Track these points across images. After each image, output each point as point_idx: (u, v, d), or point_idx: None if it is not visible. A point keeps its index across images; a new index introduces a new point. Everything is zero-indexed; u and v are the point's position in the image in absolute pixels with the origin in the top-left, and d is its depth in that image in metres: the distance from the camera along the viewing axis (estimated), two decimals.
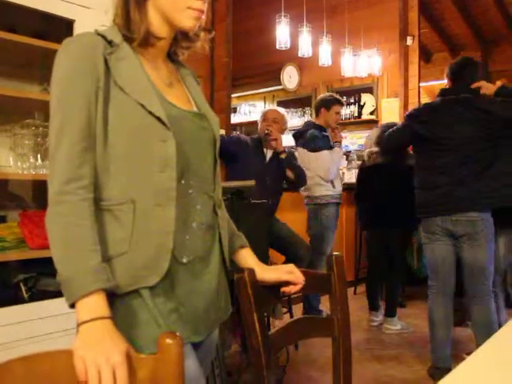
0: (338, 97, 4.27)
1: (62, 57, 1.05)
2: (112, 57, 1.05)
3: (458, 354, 3.21)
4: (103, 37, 1.07)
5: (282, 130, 3.67)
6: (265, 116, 3.66)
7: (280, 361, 3.01)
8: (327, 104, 4.12)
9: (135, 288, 1.02)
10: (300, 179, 3.65)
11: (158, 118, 1.03)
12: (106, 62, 1.04)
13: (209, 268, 1.17)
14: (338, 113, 4.20)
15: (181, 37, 1.19)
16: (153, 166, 1.04)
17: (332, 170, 4.03)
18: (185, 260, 1.09)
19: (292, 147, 4.34)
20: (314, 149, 3.98)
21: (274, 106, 3.96)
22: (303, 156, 3.99)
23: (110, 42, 1.06)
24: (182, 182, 1.08)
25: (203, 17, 1.14)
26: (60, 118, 1.02)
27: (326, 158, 3.98)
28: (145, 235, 1.03)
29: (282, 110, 3.86)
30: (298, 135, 4.19)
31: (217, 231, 1.20)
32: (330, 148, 4.03)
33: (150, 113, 1.03)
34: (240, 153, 3.43)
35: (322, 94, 4.48)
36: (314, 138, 4.00)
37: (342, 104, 4.30)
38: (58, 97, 1.03)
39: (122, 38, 1.09)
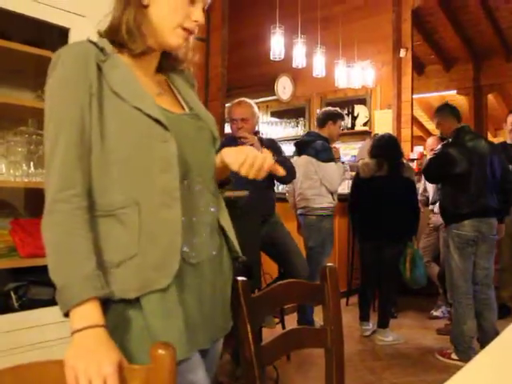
0: (340, 111, 4.35)
1: (54, 66, 1.05)
2: (105, 64, 1.06)
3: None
4: (95, 45, 1.08)
5: (255, 124, 3.42)
6: (231, 116, 3.34)
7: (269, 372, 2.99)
8: (334, 118, 4.14)
9: (145, 292, 1.01)
10: (288, 175, 3.41)
11: (157, 120, 1.04)
12: (99, 68, 1.05)
13: (221, 272, 1.17)
14: (340, 127, 4.26)
15: (165, 55, 1.20)
16: (155, 167, 1.04)
17: (339, 182, 4.11)
18: (193, 261, 1.09)
19: (291, 156, 4.29)
20: (328, 160, 3.98)
21: (241, 99, 3.47)
22: (309, 165, 3.96)
23: (101, 50, 1.08)
24: (185, 182, 1.09)
25: (190, 39, 1.16)
26: (53, 127, 1.02)
27: (335, 170, 4.02)
28: (152, 236, 1.03)
29: (248, 101, 3.47)
30: (303, 144, 4.13)
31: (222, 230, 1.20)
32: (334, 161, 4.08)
33: (148, 116, 1.03)
34: None
35: (326, 108, 4.51)
36: (328, 149, 4.02)
37: (344, 119, 4.42)
38: (50, 106, 1.04)
39: (112, 49, 1.10)
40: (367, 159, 4.11)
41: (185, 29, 1.12)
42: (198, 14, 1.13)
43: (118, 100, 1.04)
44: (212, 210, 1.17)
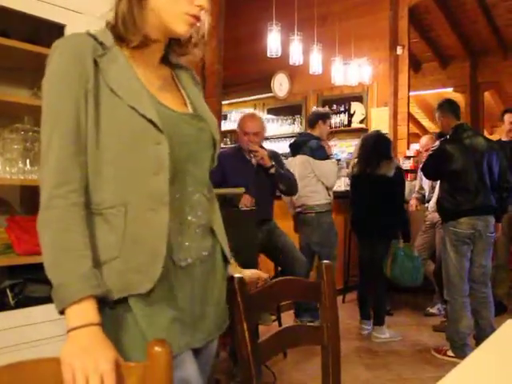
0: (328, 111, 4.58)
1: (51, 60, 1.04)
2: (103, 59, 1.04)
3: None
4: (94, 38, 1.05)
5: (263, 137, 3.63)
6: (244, 129, 3.49)
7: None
8: (324, 117, 4.29)
9: (126, 295, 1.01)
10: (292, 188, 3.66)
11: (151, 121, 1.02)
12: (96, 63, 1.03)
13: (213, 273, 1.16)
14: (329, 126, 4.45)
15: (174, 43, 1.18)
16: (146, 169, 1.03)
17: (336, 178, 4.29)
18: (183, 263, 1.08)
19: (286, 157, 4.37)
20: (323, 158, 4.13)
21: (251, 112, 3.79)
22: (306, 164, 4.07)
23: (101, 44, 1.05)
24: (177, 184, 1.08)
25: (198, 24, 1.13)
26: (49, 122, 1.01)
27: (331, 167, 4.18)
28: (136, 240, 1.02)
29: (257, 114, 3.77)
30: (298, 144, 4.23)
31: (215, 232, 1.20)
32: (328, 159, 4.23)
33: (143, 116, 1.02)
34: (227, 176, 3.34)
35: (316, 108, 4.70)
36: (322, 148, 4.18)
37: (331, 118, 4.71)
38: (47, 101, 1.02)
39: (113, 41, 1.07)
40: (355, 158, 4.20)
41: (189, 15, 1.09)
42: None
43: (114, 97, 1.02)
44: (205, 212, 1.15)
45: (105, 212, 1.03)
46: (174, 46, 1.19)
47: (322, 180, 4.09)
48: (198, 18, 1.11)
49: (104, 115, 1.02)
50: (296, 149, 4.23)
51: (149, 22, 1.08)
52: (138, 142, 1.03)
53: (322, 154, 4.13)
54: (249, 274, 1.30)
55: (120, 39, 1.09)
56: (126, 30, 1.07)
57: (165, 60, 1.20)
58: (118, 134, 1.02)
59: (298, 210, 4.17)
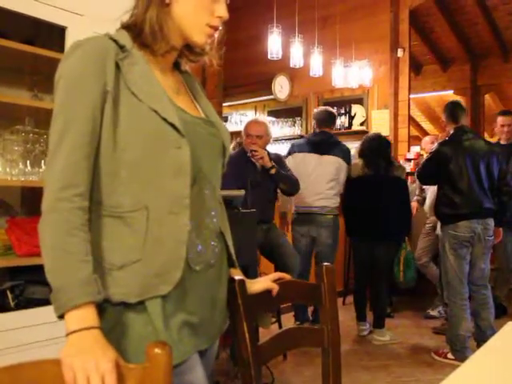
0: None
1: (69, 59, 1.03)
2: (124, 62, 1.04)
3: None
4: (115, 41, 1.05)
5: (267, 142, 3.64)
6: (247, 132, 3.57)
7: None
8: (336, 118, 4.36)
9: (147, 297, 1.00)
10: (294, 188, 3.66)
11: (172, 125, 1.02)
12: (118, 66, 1.02)
13: (219, 276, 1.17)
14: None
15: (185, 48, 1.18)
16: (167, 173, 1.03)
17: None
18: (198, 268, 1.08)
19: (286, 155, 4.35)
20: (350, 163, 4.13)
21: (257, 117, 3.83)
22: (338, 166, 4.05)
23: (122, 47, 1.05)
24: (195, 188, 1.08)
25: (216, 35, 1.14)
26: (62, 121, 0.99)
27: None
28: (158, 243, 1.01)
29: (264, 120, 3.77)
30: (329, 144, 4.13)
31: (223, 236, 1.20)
32: None
33: (164, 120, 1.02)
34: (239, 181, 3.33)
35: (327, 108, 4.43)
36: (350, 152, 4.19)
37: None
38: (61, 99, 1.01)
39: (132, 44, 1.07)
40: (356, 159, 4.15)
41: (210, 26, 1.10)
42: (221, 10, 1.11)
43: (136, 100, 1.02)
44: (217, 216, 1.16)
45: (126, 215, 1.02)
46: (186, 51, 1.19)
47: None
48: (217, 29, 1.12)
49: (123, 117, 1.01)
50: (325, 148, 4.04)
51: (171, 30, 1.09)
52: (159, 145, 1.02)
53: (350, 158, 4.14)
54: (260, 287, 1.27)
55: (143, 45, 1.08)
56: (154, 39, 1.07)
57: (174, 65, 1.20)
58: (138, 137, 1.01)
59: (316, 210, 4.02)
